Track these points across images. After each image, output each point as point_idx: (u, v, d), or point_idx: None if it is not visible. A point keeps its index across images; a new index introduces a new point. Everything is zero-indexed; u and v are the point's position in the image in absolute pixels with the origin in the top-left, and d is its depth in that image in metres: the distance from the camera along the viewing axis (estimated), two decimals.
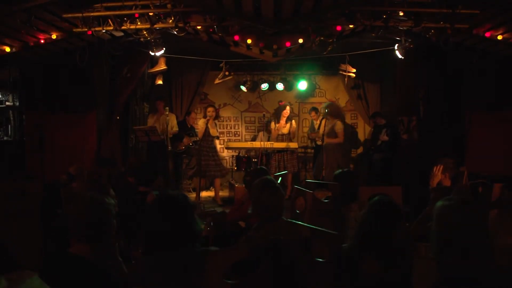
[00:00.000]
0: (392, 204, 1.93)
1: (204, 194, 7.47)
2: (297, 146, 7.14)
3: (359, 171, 7.52)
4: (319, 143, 6.86)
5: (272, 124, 7.08)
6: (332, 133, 6.53)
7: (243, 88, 8.03)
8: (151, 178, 3.60)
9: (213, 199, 6.89)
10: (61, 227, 2.95)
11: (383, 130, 6.98)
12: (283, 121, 6.91)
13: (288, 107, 7.02)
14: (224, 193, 6.92)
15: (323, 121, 6.60)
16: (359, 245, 1.86)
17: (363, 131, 8.38)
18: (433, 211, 1.63)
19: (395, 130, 6.75)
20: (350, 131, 8.29)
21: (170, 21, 4.88)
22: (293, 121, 7.12)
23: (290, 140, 6.99)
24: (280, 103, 7.17)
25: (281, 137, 6.93)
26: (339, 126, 6.56)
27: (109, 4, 4.75)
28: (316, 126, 7.24)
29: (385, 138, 6.89)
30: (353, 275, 1.79)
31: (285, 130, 6.93)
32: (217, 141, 6.94)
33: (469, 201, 1.69)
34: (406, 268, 1.79)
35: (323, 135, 6.42)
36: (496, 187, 2.62)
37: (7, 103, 6.61)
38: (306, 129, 8.23)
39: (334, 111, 6.66)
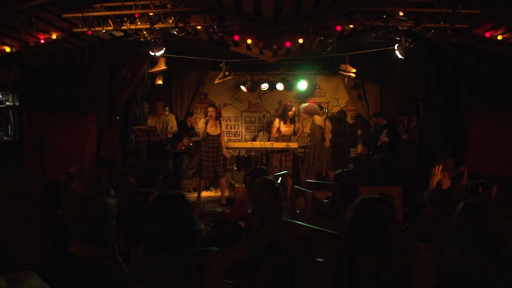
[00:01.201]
0: (376, 200, 1.91)
1: (204, 194, 7.47)
2: (297, 146, 7.14)
3: (359, 171, 7.52)
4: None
5: (276, 122, 7.07)
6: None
7: (243, 88, 8.03)
8: (153, 179, 3.59)
9: (218, 199, 6.91)
10: (61, 227, 2.95)
11: (384, 130, 6.97)
12: (288, 121, 6.89)
13: (294, 108, 6.99)
14: (225, 193, 6.92)
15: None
16: (350, 246, 1.85)
17: (363, 131, 8.39)
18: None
19: (396, 130, 6.75)
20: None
21: (170, 21, 4.88)
22: (297, 122, 7.13)
23: (290, 141, 6.99)
24: (287, 104, 7.15)
25: (282, 138, 6.92)
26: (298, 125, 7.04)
27: (109, 4, 4.75)
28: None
29: (385, 139, 6.89)
30: (350, 274, 1.79)
31: (288, 131, 6.93)
32: (224, 139, 6.91)
33: (487, 202, 1.70)
34: (404, 263, 1.78)
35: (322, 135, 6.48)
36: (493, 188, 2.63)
37: (7, 103, 6.63)
38: (306, 129, 8.22)
39: (307, 111, 6.96)
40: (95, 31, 4.87)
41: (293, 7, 4.54)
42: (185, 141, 7.24)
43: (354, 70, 7.18)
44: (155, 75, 7.05)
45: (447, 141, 6.05)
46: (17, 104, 6.55)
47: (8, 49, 5.22)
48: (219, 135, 6.67)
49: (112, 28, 4.90)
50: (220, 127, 6.66)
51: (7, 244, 2.19)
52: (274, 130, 6.98)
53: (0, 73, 6.42)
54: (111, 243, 2.05)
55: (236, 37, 5.39)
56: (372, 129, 7.55)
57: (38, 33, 5.03)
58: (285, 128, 6.91)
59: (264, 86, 8.07)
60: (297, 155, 7.73)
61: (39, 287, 1.29)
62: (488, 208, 1.60)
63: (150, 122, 7.07)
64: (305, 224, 1.95)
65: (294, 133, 7.08)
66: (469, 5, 4.54)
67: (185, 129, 7.40)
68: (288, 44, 5.48)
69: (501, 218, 1.57)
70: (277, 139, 6.96)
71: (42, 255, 2.69)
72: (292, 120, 6.96)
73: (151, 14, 4.78)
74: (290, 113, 6.86)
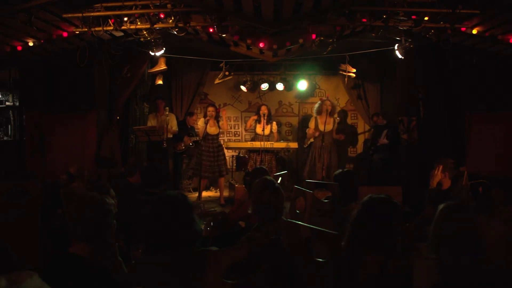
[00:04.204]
0: (385, 199, 1.93)
1: (204, 194, 7.47)
2: (297, 146, 7.13)
3: (359, 171, 7.52)
4: (312, 140, 6.87)
5: (250, 120, 7.03)
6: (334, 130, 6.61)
7: (243, 88, 8.03)
8: (161, 180, 3.60)
9: (218, 199, 6.91)
10: (61, 227, 2.95)
11: (384, 131, 6.92)
12: (263, 122, 6.75)
13: (264, 107, 6.84)
14: (224, 193, 6.92)
15: (322, 119, 6.55)
16: (354, 242, 1.87)
17: (363, 131, 8.39)
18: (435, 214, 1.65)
19: (396, 131, 6.73)
20: (351, 130, 8.32)
21: (170, 21, 4.88)
22: (274, 123, 7.03)
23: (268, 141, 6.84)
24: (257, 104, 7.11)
25: (263, 138, 6.74)
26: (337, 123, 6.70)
27: (109, 4, 4.75)
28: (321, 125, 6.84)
29: (385, 141, 6.83)
30: (350, 274, 1.79)
31: (266, 131, 6.75)
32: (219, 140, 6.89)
33: (464, 205, 1.70)
34: (405, 263, 1.79)
35: (323, 134, 6.42)
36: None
37: (7, 103, 6.62)
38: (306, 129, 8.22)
39: (334, 108, 6.74)
40: (95, 31, 4.87)
41: (293, 7, 4.54)
42: (185, 140, 7.25)
43: (354, 70, 7.18)
44: (155, 75, 7.05)
45: (447, 142, 6.05)
46: (17, 104, 6.54)
47: (8, 49, 5.22)
48: (218, 135, 6.68)
49: (112, 28, 4.90)
50: (219, 126, 6.66)
51: (7, 244, 2.18)
52: (248, 126, 6.99)
53: (0, 73, 6.42)
54: (111, 243, 2.05)
55: (236, 37, 5.39)
56: (372, 129, 7.54)
57: (38, 33, 5.03)
58: (260, 130, 6.80)
59: (264, 86, 8.07)
60: (281, 156, 7.67)
61: (39, 287, 1.29)
62: (466, 211, 1.60)
63: (151, 122, 7.07)
64: (305, 224, 1.95)
65: (272, 134, 6.91)
66: (469, 5, 4.54)
67: (185, 129, 7.41)
68: (288, 44, 5.48)
69: (477, 221, 1.58)
70: (254, 139, 6.92)
71: (42, 255, 2.68)
72: (269, 121, 6.81)
73: (151, 14, 4.78)
74: (260, 112, 6.73)
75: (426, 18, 4.83)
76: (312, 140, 7.06)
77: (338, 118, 6.80)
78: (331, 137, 6.61)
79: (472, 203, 3.28)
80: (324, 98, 7.31)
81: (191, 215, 1.95)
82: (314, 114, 6.74)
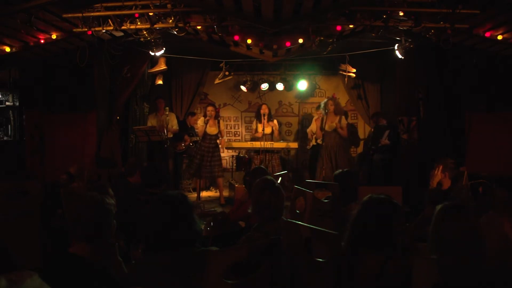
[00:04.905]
0: (385, 199, 1.93)
1: (204, 194, 7.47)
2: (297, 146, 7.13)
3: (359, 171, 7.51)
4: (319, 142, 6.82)
5: (254, 124, 7.01)
6: (335, 130, 6.54)
7: (243, 88, 8.03)
8: (160, 179, 3.59)
9: (218, 199, 6.90)
10: (61, 227, 2.95)
11: (385, 132, 6.86)
12: (264, 121, 6.71)
13: (264, 106, 6.80)
14: (224, 193, 6.92)
15: (323, 118, 6.52)
16: (354, 242, 1.87)
17: (363, 131, 8.39)
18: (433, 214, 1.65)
19: (396, 131, 6.72)
20: (351, 130, 8.30)
21: (170, 21, 4.88)
22: (275, 121, 6.99)
23: (272, 141, 6.82)
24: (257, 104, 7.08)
25: (264, 138, 6.70)
26: (344, 121, 6.60)
27: (109, 4, 4.75)
28: (324, 124, 6.66)
29: (386, 142, 6.80)
30: (350, 274, 1.79)
31: (267, 130, 6.72)
32: (218, 140, 6.86)
33: (463, 205, 1.70)
34: (405, 263, 1.79)
35: (323, 133, 6.41)
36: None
37: (7, 103, 6.62)
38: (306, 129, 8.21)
39: (339, 107, 6.67)
40: (95, 31, 4.87)
41: (293, 7, 4.54)
42: (186, 139, 7.25)
43: (354, 70, 7.17)
44: (155, 75, 7.05)
45: (447, 142, 6.05)
46: (17, 104, 6.55)
47: (8, 49, 5.22)
48: (216, 135, 6.67)
49: (112, 28, 4.90)
50: (219, 126, 6.64)
51: (7, 244, 2.18)
52: (258, 133, 6.87)
53: (0, 73, 6.42)
54: (111, 243, 2.05)
55: (236, 37, 5.39)
56: (372, 130, 7.53)
57: (38, 33, 5.03)
58: (260, 129, 6.76)
59: (264, 86, 8.07)
60: (281, 156, 7.66)
61: (39, 287, 1.29)
62: (466, 211, 1.61)
63: (151, 121, 7.07)
64: (305, 224, 1.95)
65: (273, 131, 6.87)
66: (469, 5, 4.54)
67: (185, 128, 7.41)
68: (288, 44, 5.48)
69: (477, 221, 1.59)
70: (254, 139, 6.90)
71: (42, 255, 2.68)
72: (269, 119, 6.77)
73: (151, 14, 4.78)
74: (261, 111, 6.70)
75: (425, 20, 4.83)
76: (314, 142, 7.07)
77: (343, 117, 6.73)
78: (336, 137, 6.50)
79: (472, 203, 3.27)
80: (329, 96, 7.28)
81: (191, 215, 1.95)
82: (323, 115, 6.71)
